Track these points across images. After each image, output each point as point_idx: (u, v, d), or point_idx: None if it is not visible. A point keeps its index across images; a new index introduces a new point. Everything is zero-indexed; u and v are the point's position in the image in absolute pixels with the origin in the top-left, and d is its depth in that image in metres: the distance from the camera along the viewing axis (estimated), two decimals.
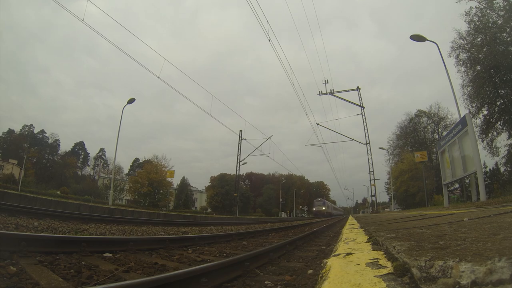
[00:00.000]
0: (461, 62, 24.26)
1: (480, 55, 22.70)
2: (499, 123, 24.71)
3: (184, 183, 63.14)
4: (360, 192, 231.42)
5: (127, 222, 9.03)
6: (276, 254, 4.11)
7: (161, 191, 40.12)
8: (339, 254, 1.87)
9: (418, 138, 44.77)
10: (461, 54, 24.22)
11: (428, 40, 15.42)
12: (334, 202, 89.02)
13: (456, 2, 22.32)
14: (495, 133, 25.27)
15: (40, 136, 64.22)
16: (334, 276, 1.27)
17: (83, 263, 2.94)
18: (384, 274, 1.20)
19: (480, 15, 22.16)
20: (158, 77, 12.50)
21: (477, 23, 22.29)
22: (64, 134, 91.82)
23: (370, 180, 34.50)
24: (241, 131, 36.74)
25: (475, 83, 23.49)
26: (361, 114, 35.18)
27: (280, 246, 4.57)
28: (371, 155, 34.29)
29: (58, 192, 34.28)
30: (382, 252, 1.77)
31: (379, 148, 43.36)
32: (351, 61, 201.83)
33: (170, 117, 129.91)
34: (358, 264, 1.46)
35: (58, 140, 65.43)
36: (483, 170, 23.26)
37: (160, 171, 39.33)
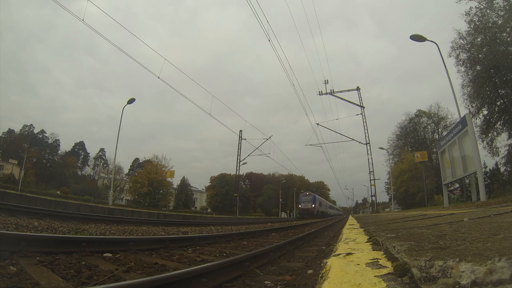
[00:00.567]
0: (461, 62, 24.29)
1: (480, 55, 22.71)
2: (499, 123, 24.71)
3: (184, 183, 63.15)
4: (360, 192, 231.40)
5: (127, 222, 9.03)
6: (276, 254, 4.11)
7: (161, 191, 40.12)
8: (339, 254, 1.86)
9: (418, 138, 44.77)
10: (461, 54, 24.24)
11: (428, 40, 15.42)
12: (334, 202, 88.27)
13: (456, 2, 22.35)
14: (495, 133, 25.28)
15: (40, 136, 64.23)
16: (334, 276, 1.27)
17: (83, 263, 2.94)
18: (384, 274, 1.20)
19: (480, 15, 22.17)
20: (158, 77, 12.54)
21: (477, 23, 22.29)
22: (64, 134, 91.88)
23: (370, 180, 34.52)
24: (241, 131, 36.79)
25: (475, 83, 23.49)
26: (361, 114, 35.19)
27: (280, 246, 4.57)
28: (371, 155, 34.32)
29: (58, 192, 34.28)
30: (382, 252, 1.77)
31: (379, 148, 43.39)
32: (351, 61, 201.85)
33: (170, 117, 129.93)
34: (358, 264, 1.46)
35: (58, 140, 65.48)
36: (483, 170, 23.25)
37: (160, 171, 39.34)
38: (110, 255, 3.53)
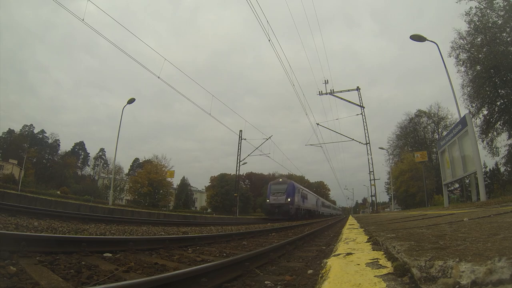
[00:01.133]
0: (461, 62, 24.31)
1: (480, 55, 22.71)
2: (499, 123, 24.72)
3: (184, 183, 63.11)
4: (360, 192, 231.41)
5: (127, 222, 9.03)
6: (276, 254, 4.12)
7: (161, 191, 40.13)
8: (339, 254, 1.86)
9: (418, 138, 44.79)
10: (461, 54, 24.26)
11: (428, 40, 15.42)
12: (334, 202, 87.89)
13: (456, 2, 22.36)
14: (495, 133, 25.29)
15: (40, 136, 64.22)
16: (334, 276, 1.27)
17: (83, 263, 2.94)
18: (384, 274, 1.20)
19: (480, 15, 22.18)
20: (158, 77, 12.52)
21: (477, 23, 22.30)
22: (64, 134, 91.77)
23: (370, 180, 34.48)
24: (241, 131, 36.75)
25: (475, 83, 23.49)
26: (361, 114, 35.16)
27: (280, 246, 4.57)
28: (371, 155, 34.26)
29: (58, 192, 34.30)
30: (382, 252, 1.77)
31: (379, 148, 43.39)
32: (351, 61, 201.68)
33: (170, 116, 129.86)
34: (358, 264, 1.46)
35: (58, 140, 65.45)
36: (483, 170, 23.26)
37: (160, 171, 39.34)
38: (110, 255, 3.53)
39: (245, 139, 35.04)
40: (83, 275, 2.49)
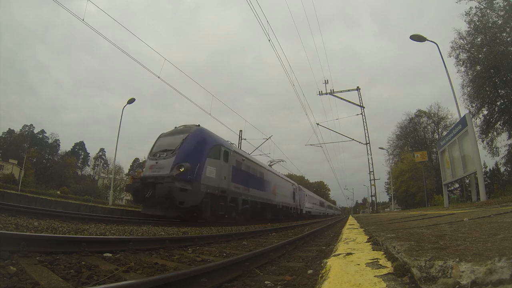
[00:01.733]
0: (461, 62, 24.32)
1: (480, 55, 22.72)
2: (499, 123, 24.73)
3: None
4: (360, 192, 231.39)
5: (127, 222, 9.02)
6: (276, 254, 4.12)
7: None
8: (339, 254, 1.86)
9: (418, 138, 44.80)
10: (461, 54, 24.27)
11: (428, 40, 15.41)
12: (334, 202, 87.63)
13: (456, 2, 22.36)
14: (495, 133, 25.30)
15: (40, 136, 64.26)
16: (334, 276, 1.26)
17: (83, 263, 2.94)
18: (384, 274, 1.20)
19: (480, 15, 22.19)
20: (158, 77, 12.41)
21: (477, 23, 22.31)
22: (64, 134, 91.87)
23: (370, 180, 34.41)
24: (241, 131, 36.65)
25: (475, 83, 23.50)
26: (361, 114, 35.11)
27: (280, 246, 4.57)
28: (371, 155, 34.17)
29: (58, 192, 34.30)
30: (382, 252, 1.77)
31: (379, 148, 43.35)
32: (351, 60, 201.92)
33: (170, 116, 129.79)
34: (358, 264, 1.46)
35: (58, 140, 65.53)
36: (483, 170, 23.26)
37: None
38: (110, 255, 3.52)
39: (245, 139, 34.96)
40: (83, 275, 2.49)
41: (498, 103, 24.37)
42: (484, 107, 24.83)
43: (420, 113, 43.72)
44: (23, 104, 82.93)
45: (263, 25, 13.99)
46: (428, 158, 34.21)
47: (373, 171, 33.64)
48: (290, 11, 24.17)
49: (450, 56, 24.40)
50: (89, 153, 73.21)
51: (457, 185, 29.61)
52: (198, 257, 3.94)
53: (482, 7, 21.93)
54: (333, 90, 36.00)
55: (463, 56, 24.19)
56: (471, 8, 22.21)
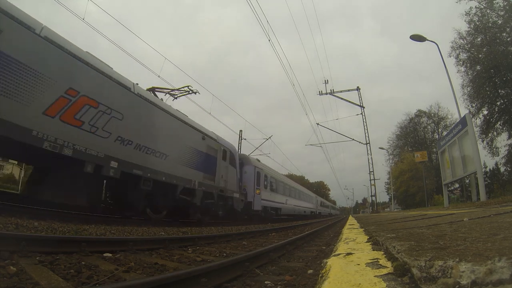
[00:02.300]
0: (461, 62, 24.32)
1: (480, 55, 22.72)
2: (499, 123, 24.73)
3: None
4: (360, 192, 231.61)
5: (127, 222, 9.02)
6: (276, 254, 4.12)
7: None
8: (339, 254, 1.86)
9: (418, 138, 44.80)
10: (461, 54, 24.28)
11: (428, 40, 15.42)
12: (334, 202, 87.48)
13: (456, 2, 22.37)
14: (495, 133, 25.30)
15: None
16: (334, 276, 1.26)
17: (83, 263, 2.94)
18: (384, 274, 1.20)
19: (480, 15, 22.19)
20: (159, 76, 12.41)
21: (477, 23, 22.31)
22: None
23: (370, 180, 34.43)
24: (241, 131, 36.66)
25: (475, 83, 23.51)
26: (361, 114, 35.12)
27: (280, 246, 4.57)
28: (371, 155, 34.20)
29: None
30: (382, 252, 1.77)
31: (379, 148, 43.42)
32: (352, 60, 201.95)
33: None
34: (358, 264, 1.46)
35: None
36: (483, 170, 23.25)
37: None
38: (110, 255, 3.53)
39: (245, 139, 34.97)
40: (83, 275, 2.49)
41: (498, 103, 24.37)
42: (484, 107, 24.84)
43: (420, 113, 43.76)
44: None
45: (263, 25, 13.98)
46: (428, 158, 34.22)
47: (373, 171, 33.67)
48: (290, 11, 24.19)
49: (450, 56, 24.45)
50: None
51: (457, 185, 29.59)
52: (198, 257, 3.94)
53: (482, 7, 21.94)
54: (333, 90, 36.04)
55: (463, 56, 24.21)
56: (471, 8, 22.23)
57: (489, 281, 0.82)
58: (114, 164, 6.93)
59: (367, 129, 34.35)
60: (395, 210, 41.59)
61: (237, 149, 15.67)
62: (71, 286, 2.22)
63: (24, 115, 5.16)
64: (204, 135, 10.75)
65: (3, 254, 2.77)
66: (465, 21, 22.88)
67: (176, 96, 11.40)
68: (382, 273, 1.22)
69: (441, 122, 41.45)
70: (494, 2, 21.29)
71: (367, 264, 1.43)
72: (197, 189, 9.96)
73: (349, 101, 35.56)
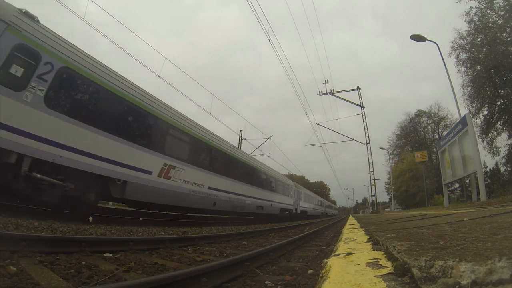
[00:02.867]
0: (461, 62, 24.31)
1: (480, 55, 22.71)
2: (499, 123, 24.72)
3: None
4: (360, 192, 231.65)
5: (127, 222, 9.02)
6: (276, 254, 4.12)
7: None
8: (339, 254, 1.86)
9: (418, 138, 44.79)
10: (461, 54, 24.26)
11: (428, 40, 15.41)
12: (334, 202, 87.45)
13: (456, 2, 22.35)
14: (495, 133, 25.29)
15: None
16: (334, 276, 1.26)
17: (83, 263, 2.94)
18: (384, 274, 1.20)
19: (480, 15, 22.18)
20: (159, 76, 12.43)
21: (477, 23, 22.30)
22: None
23: (370, 180, 34.41)
24: (241, 131, 36.67)
25: (475, 83, 23.50)
26: (361, 114, 35.12)
27: (280, 246, 4.57)
28: (371, 155, 34.22)
29: None
30: (382, 252, 1.77)
31: (379, 148, 43.41)
32: (352, 60, 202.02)
33: None
34: (358, 264, 1.46)
35: None
36: (483, 170, 23.23)
37: None
38: (110, 255, 3.53)
39: (245, 139, 34.97)
40: (83, 275, 2.50)
41: (498, 103, 24.36)
42: (484, 107, 24.83)
43: (420, 113, 43.76)
44: None
45: (263, 25, 13.99)
46: (428, 158, 34.21)
47: (373, 171, 33.66)
48: (290, 10, 24.16)
49: (450, 56, 24.43)
50: None
51: (457, 185, 29.58)
52: (198, 257, 3.94)
53: (482, 7, 21.93)
54: (333, 90, 36.03)
55: (463, 56, 24.19)
56: (471, 8, 22.22)
57: (489, 281, 0.82)
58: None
59: (367, 129, 34.36)
60: (395, 210, 41.59)
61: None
62: (71, 286, 2.22)
63: None
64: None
65: (3, 254, 2.77)
66: (465, 21, 22.89)
67: None
68: (382, 273, 1.22)
69: (441, 122, 41.49)
70: (494, 2, 21.28)
71: (367, 264, 1.43)
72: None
73: (349, 101, 35.57)
